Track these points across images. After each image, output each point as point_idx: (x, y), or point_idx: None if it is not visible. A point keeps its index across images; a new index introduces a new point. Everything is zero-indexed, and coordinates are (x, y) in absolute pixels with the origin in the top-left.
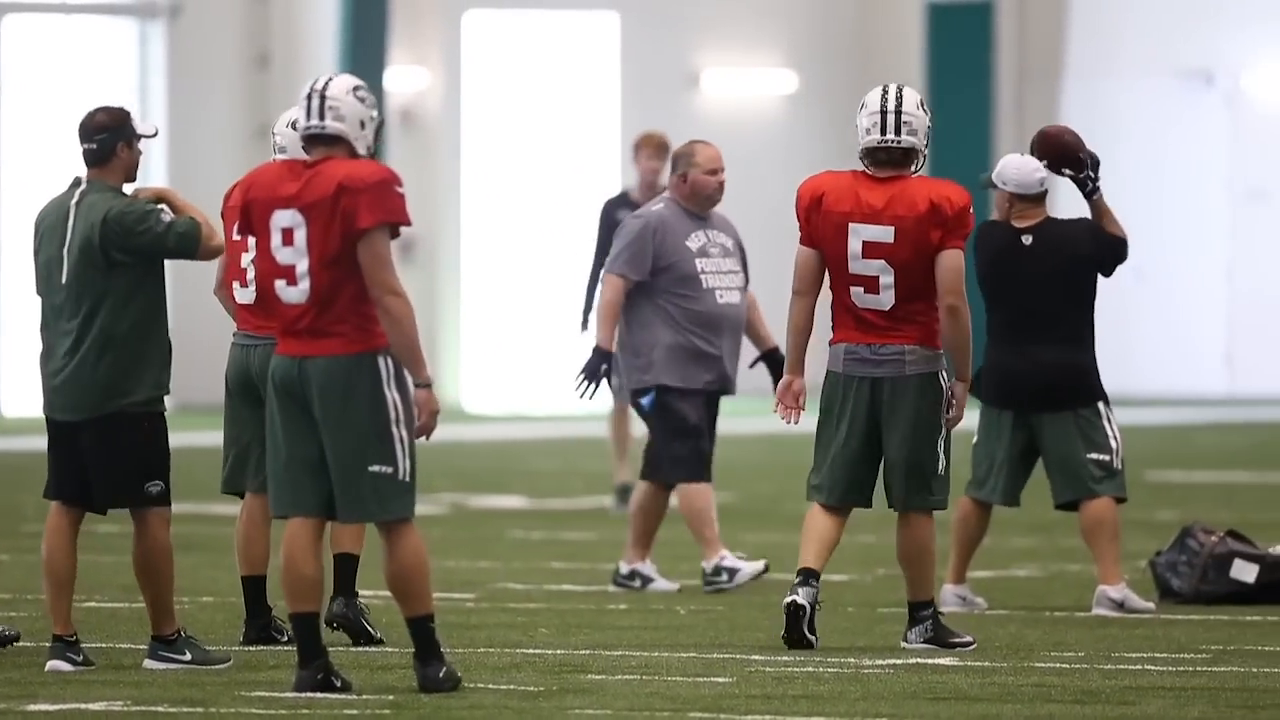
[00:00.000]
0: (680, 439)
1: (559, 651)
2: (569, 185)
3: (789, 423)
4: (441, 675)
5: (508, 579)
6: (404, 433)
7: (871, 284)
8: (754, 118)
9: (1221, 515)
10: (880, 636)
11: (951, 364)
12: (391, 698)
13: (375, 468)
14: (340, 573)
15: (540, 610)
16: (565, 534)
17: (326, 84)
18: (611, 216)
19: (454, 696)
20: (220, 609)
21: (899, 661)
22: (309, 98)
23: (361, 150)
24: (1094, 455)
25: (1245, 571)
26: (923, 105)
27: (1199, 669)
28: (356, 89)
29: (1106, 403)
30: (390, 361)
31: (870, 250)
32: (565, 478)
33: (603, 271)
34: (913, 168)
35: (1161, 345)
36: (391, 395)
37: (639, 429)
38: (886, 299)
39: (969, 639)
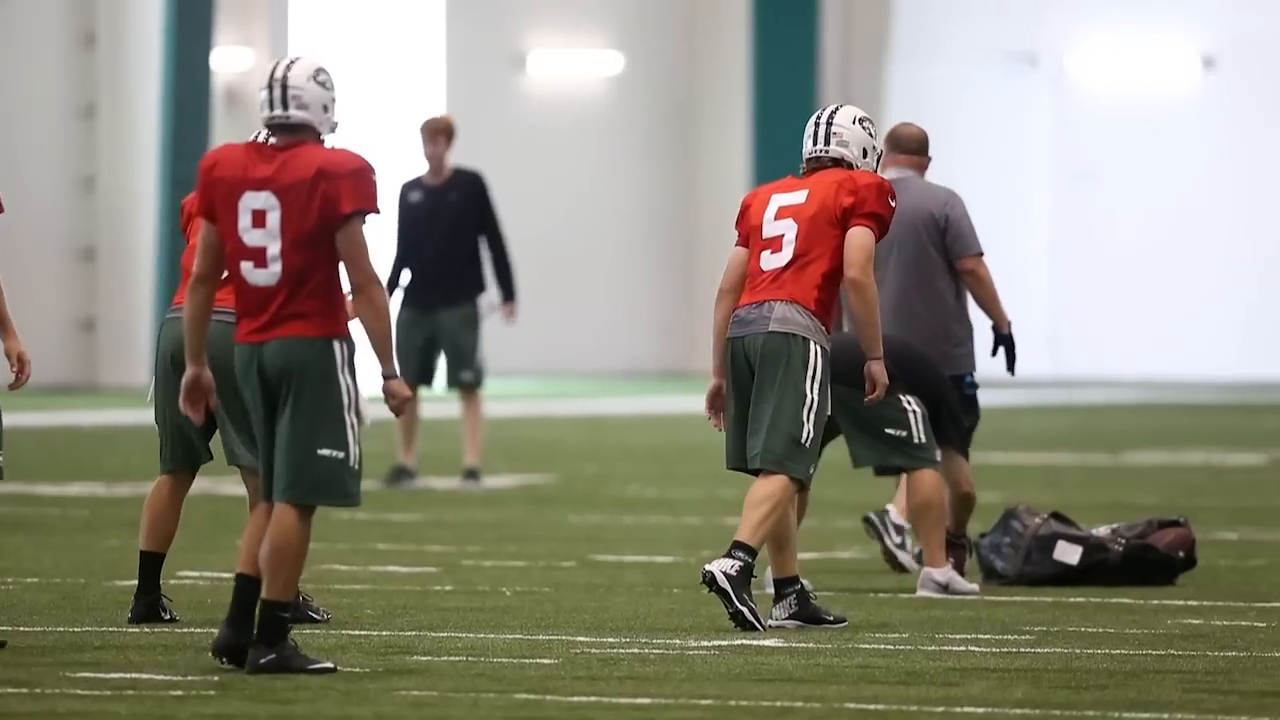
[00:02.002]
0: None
1: (384, 633)
2: (395, 167)
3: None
4: (263, 662)
5: (332, 560)
6: (354, 419)
7: (777, 243)
8: (580, 99)
9: (1045, 497)
10: (706, 618)
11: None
12: (217, 679)
13: (325, 451)
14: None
15: (366, 592)
16: (390, 515)
17: (287, 71)
18: (404, 198)
19: (279, 678)
20: (46, 590)
21: (724, 643)
22: (269, 86)
23: (326, 133)
24: (890, 430)
25: (1069, 553)
26: (862, 122)
27: (1022, 650)
28: (317, 74)
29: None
30: (345, 347)
31: (783, 212)
32: (388, 460)
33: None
34: None
35: (984, 327)
36: (346, 381)
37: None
38: (785, 255)
39: (841, 617)
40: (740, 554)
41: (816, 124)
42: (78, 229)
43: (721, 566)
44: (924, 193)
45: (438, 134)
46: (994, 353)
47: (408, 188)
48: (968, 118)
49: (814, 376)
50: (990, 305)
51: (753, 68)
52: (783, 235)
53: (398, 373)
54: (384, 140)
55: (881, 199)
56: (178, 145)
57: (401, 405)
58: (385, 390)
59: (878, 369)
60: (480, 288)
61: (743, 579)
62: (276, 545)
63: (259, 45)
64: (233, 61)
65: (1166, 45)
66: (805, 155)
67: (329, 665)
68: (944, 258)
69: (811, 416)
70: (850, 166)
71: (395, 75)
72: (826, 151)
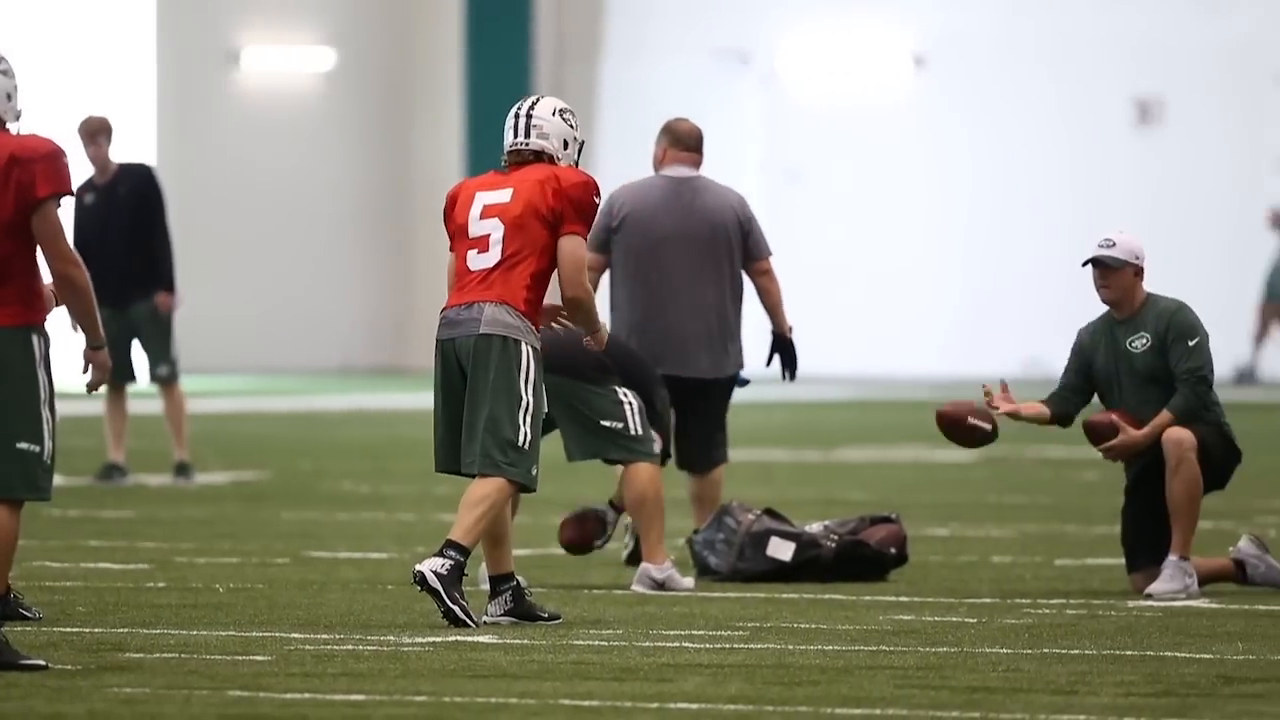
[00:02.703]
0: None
1: (96, 630)
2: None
3: None
4: None
5: (43, 557)
6: (49, 413)
7: (484, 243)
8: (293, 95)
9: (759, 493)
10: (420, 614)
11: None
12: None
13: (23, 445)
14: None
15: (77, 589)
16: (102, 512)
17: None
18: (79, 201)
19: None
20: None
21: (438, 639)
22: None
23: (11, 121)
24: (607, 422)
25: (782, 549)
26: (562, 114)
27: (736, 646)
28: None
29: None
30: (42, 341)
31: (488, 211)
32: (99, 457)
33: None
34: None
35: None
36: (42, 375)
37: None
38: (493, 256)
39: (556, 614)
40: (452, 553)
41: (517, 116)
42: None
43: (432, 566)
44: (721, 194)
45: (97, 134)
46: (770, 360)
47: (81, 190)
48: (681, 114)
49: (527, 377)
50: (778, 308)
51: (466, 65)
52: (489, 235)
53: (104, 345)
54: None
55: (589, 200)
56: None
57: (102, 375)
58: (90, 360)
59: (600, 336)
60: (156, 286)
61: (454, 577)
62: None
63: None
64: None
65: (878, 44)
66: (506, 148)
67: (40, 662)
68: (735, 259)
69: (527, 418)
70: (552, 159)
71: (106, 72)
72: (527, 144)
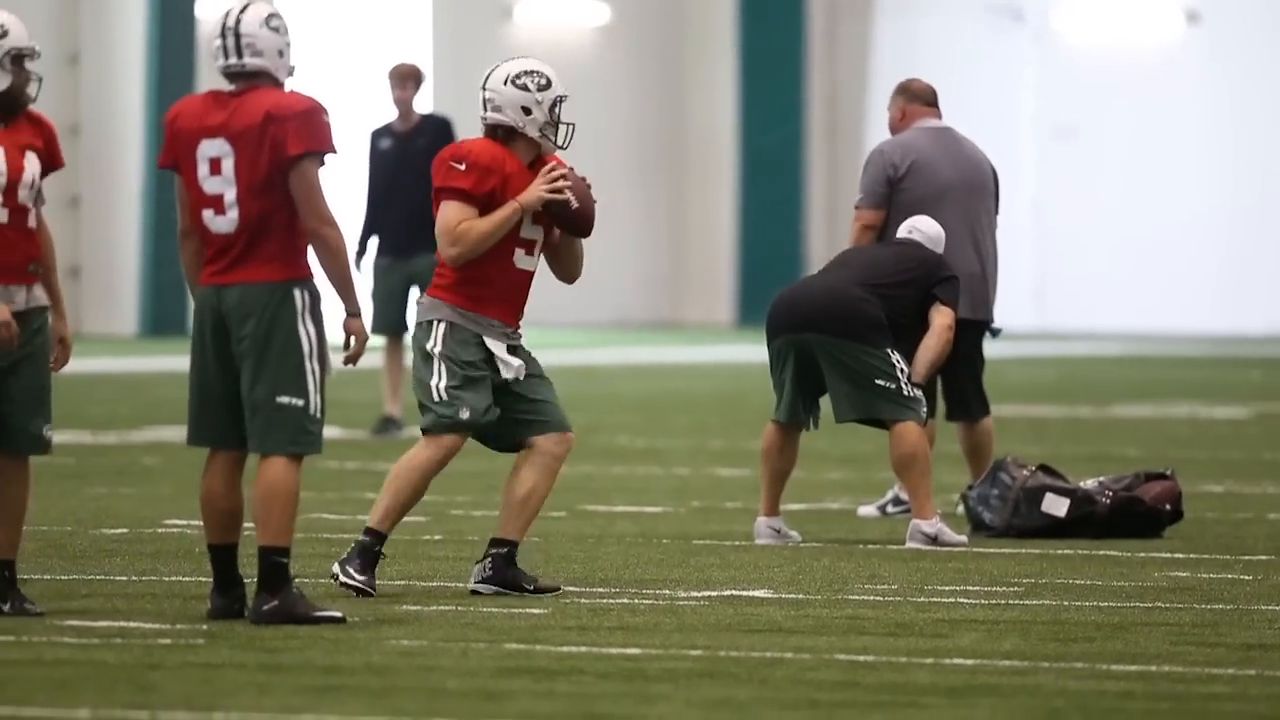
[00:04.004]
0: None
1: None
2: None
3: None
4: (266, 609)
5: (321, 509)
6: (316, 366)
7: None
8: (566, 49)
9: (1032, 450)
10: (695, 569)
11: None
12: (205, 627)
13: (285, 399)
14: None
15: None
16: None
17: (239, 19)
18: (375, 145)
19: (270, 627)
20: (32, 538)
21: (714, 594)
22: (222, 35)
23: (284, 78)
24: (880, 381)
25: (1057, 505)
26: (515, 80)
27: (1011, 602)
28: (269, 19)
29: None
30: (307, 294)
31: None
32: (375, 410)
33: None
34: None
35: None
36: (306, 329)
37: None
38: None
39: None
40: (495, 549)
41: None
42: (62, 176)
43: (476, 575)
44: (974, 145)
45: (406, 79)
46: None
47: (377, 135)
48: (953, 73)
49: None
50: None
51: (739, 21)
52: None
53: (360, 312)
54: (369, 92)
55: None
56: (162, 92)
57: (361, 347)
58: (345, 328)
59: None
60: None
61: (501, 565)
62: (263, 492)
63: None
64: (218, 8)
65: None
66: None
67: (337, 614)
68: (994, 206)
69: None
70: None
71: (382, 26)
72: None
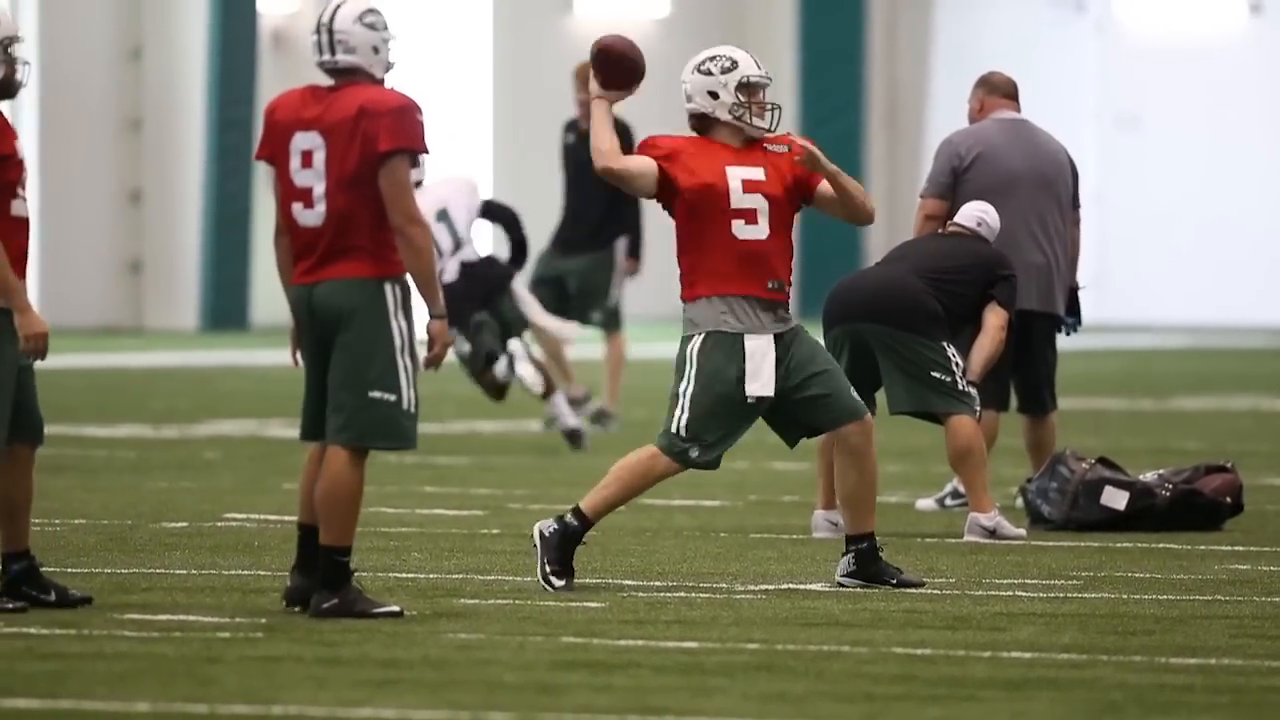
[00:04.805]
0: None
1: (431, 575)
2: (442, 106)
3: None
4: (325, 607)
5: (380, 503)
6: (408, 361)
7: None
8: None
9: (1092, 442)
10: (753, 562)
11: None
12: (264, 620)
13: (377, 394)
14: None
15: (412, 534)
16: (436, 459)
17: (333, 16)
18: (564, 138)
19: (328, 621)
20: (93, 531)
21: (771, 587)
22: (318, 31)
23: (380, 74)
24: (936, 374)
25: (1116, 498)
26: (699, 67)
27: (1070, 595)
28: (363, 15)
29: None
30: (399, 290)
31: (749, 187)
32: (436, 402)
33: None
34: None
35: None
36: (398, 323)
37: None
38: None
39: (913, 580)
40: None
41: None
42: (126, 171)
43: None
44: (1053, 138)
45: (584, 80)
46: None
47: (566, 129)
48: (1014, 63)
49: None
50: (1077, 260)
51: (800, 16)
52: (755, 209)
53: (444, 315)
54: (429, 82)
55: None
56: (224, 88)
57: (443, 350)
58: (427, 330)
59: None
60: (617, 235)
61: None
62: (327, 489)
63: None
64: (279, 4)
65: None
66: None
67: (395, 609)
68: (1068, 200)
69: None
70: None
71: (442, 16)
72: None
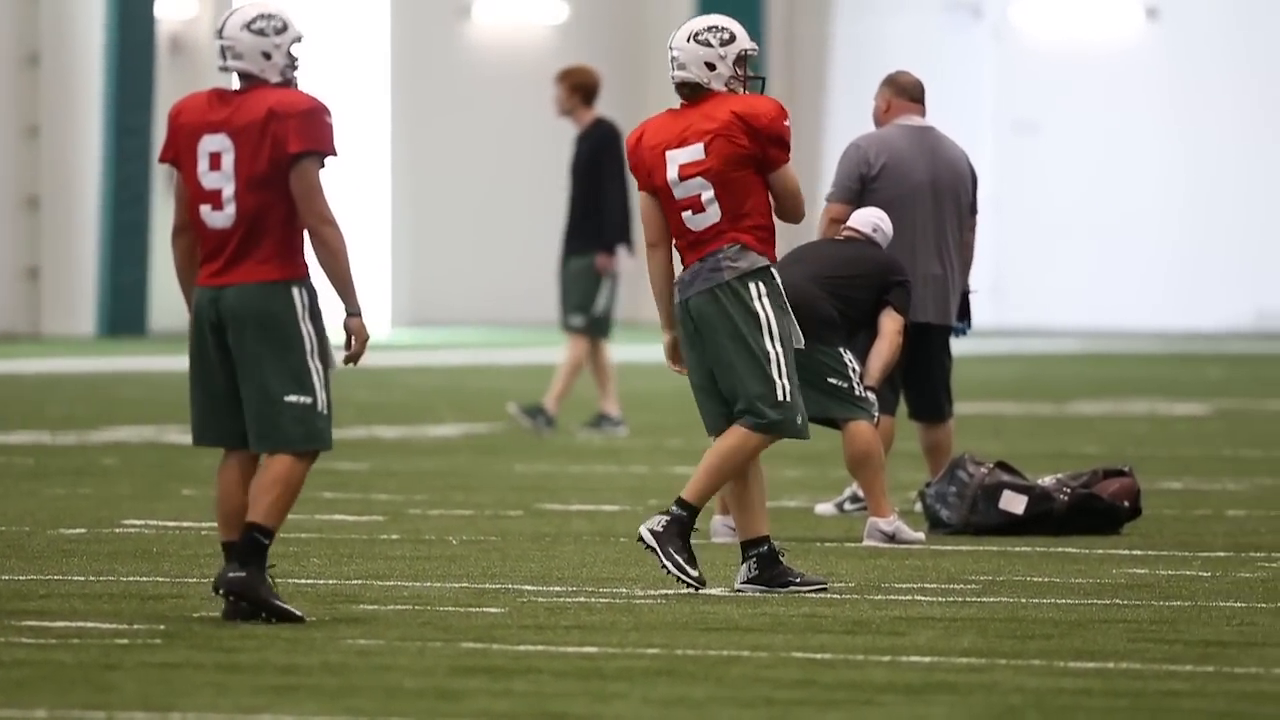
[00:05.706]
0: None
1: (331, 581)
2: (340, 111)
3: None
4: (231, 576)
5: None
6: (319, 364)
7: (697, 204)
8: (524, 47)
9: (990, 447)
10: (652, 567)
11: None
12: (163, 627)
13: (292, 398)
14: None
15: (312, 540)
16: (337, 464)
17: (224, 24)
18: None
19: (226, 626)
20: None
21: (670, 592)
22: (217, 38)
23: (274, 78)
24: (833, 380)
25: (1014, 503)
26: (697, 36)
27: (969, 600)
28: (252, 23)
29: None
30: (306, 293)
31: (686, 171)
32: (336, 408)
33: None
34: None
35: None
36: (307, 327)
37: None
38: (712, 214)
39: (815, 580)
40: (675, 509)
41: (669, 49)
42: (22, 178)
43: (649, 525)
44: (955, 145)
45: (558, 84)
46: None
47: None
48: (912, 68)
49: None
50: (970, 265)
51: None
52: (699, 195)
53: (360, 311)
54: (327, 88)
55: (785, 127)
56: (122, 94)
57: (362, 346)
58: (345, 327)
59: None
60: (597, 238)
61: (671, 533)
62: (273, 474)
63: None
64: (176, 10)
65: None
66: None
67: (298, 614)
68: (966, 209)
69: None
70: (706, 86)
71: (340, 21)
72: (676, 79)
